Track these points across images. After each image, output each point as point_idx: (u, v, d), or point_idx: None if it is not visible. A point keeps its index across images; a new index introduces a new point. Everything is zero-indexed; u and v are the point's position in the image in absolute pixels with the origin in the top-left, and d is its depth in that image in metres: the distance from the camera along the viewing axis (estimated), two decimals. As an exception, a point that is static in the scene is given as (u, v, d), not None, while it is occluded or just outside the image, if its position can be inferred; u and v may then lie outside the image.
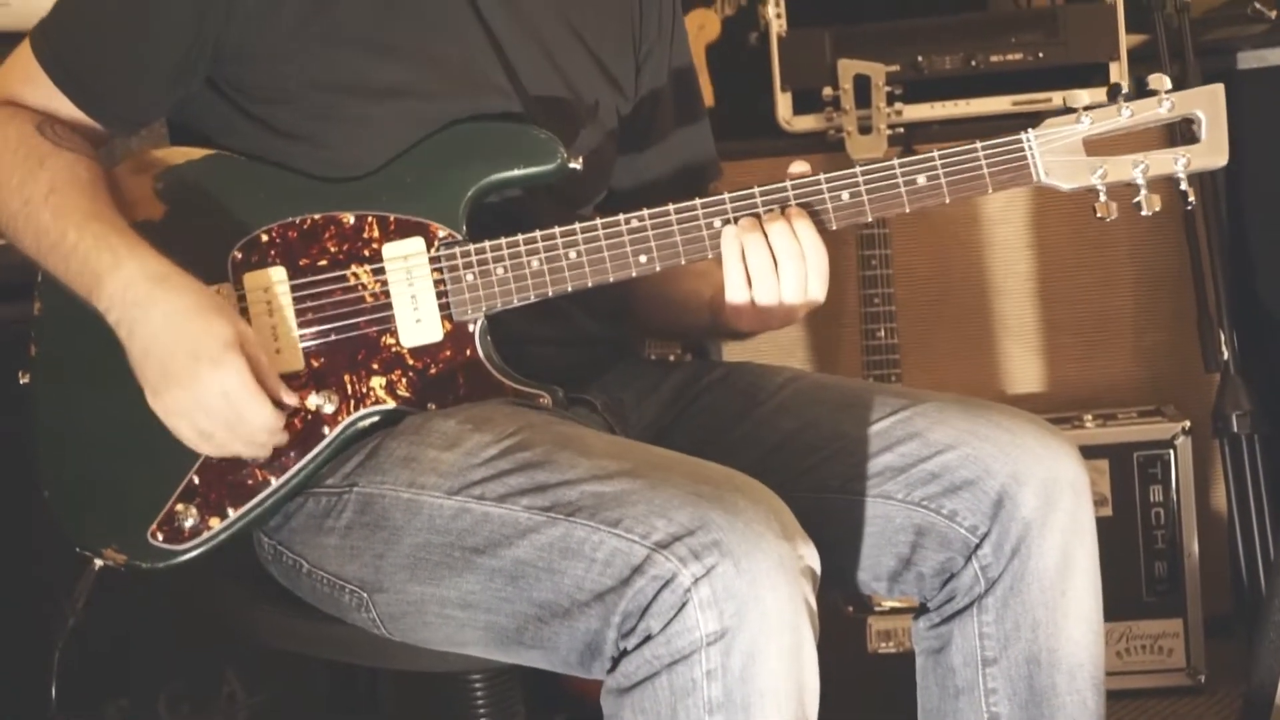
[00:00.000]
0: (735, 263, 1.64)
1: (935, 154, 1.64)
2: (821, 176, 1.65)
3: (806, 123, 2.80)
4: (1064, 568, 1.63)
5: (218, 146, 1.72)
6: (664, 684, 1.42)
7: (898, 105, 2.67)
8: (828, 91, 2.69)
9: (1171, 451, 2.74)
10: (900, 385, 1.84)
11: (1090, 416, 2.78)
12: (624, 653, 1.44)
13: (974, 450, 1.64)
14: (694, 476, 1.48)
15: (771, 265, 1.63)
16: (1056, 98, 2.80)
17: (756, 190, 1.65)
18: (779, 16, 2.81)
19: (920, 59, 2.79)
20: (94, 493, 1.68)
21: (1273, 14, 2.88)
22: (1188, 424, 2.74)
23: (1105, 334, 2.86)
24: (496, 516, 1.51)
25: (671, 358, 2.60)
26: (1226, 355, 2.75)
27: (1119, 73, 2.78)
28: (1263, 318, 2.89)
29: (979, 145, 1.64)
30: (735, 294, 1.66)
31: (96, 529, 1.67)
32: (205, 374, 1.55)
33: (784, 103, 2.82)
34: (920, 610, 1.72)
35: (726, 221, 1.64)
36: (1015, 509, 1.62)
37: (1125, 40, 2.78)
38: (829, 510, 1.67)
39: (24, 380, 1.69)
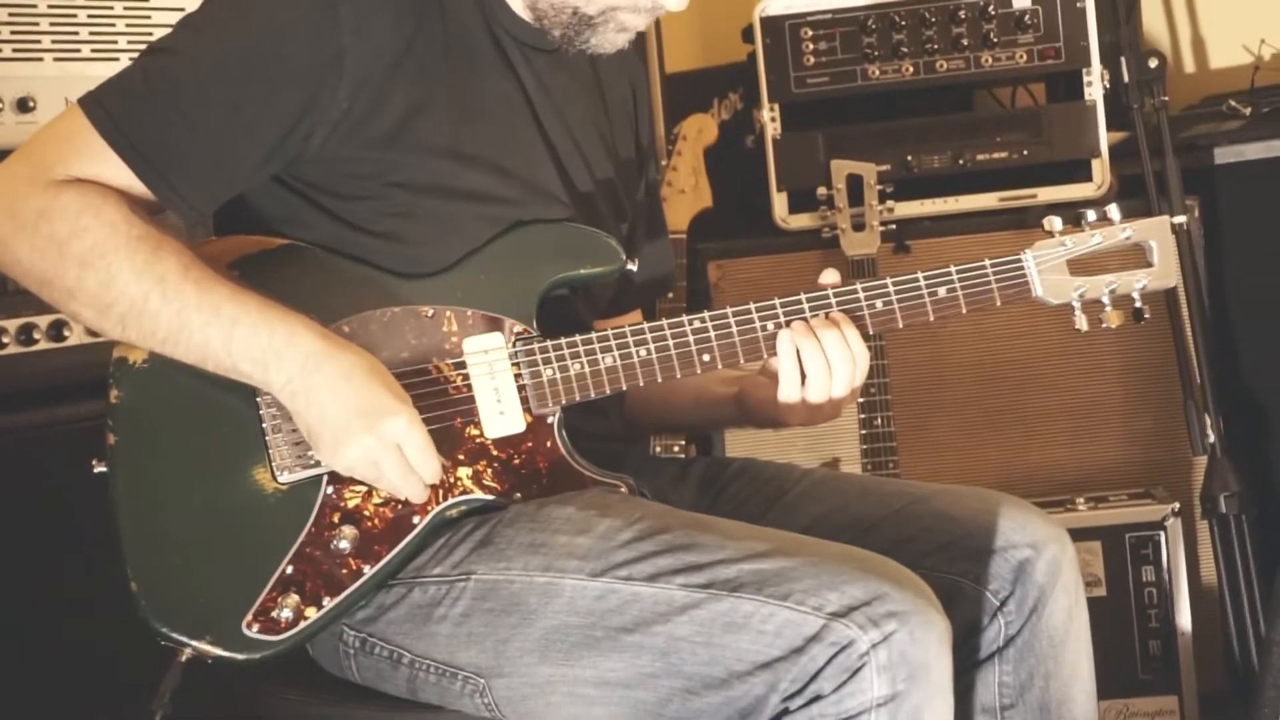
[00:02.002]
0: (791, 363, 1.70)
1: (952, 269, 1.75)
2: (858, 285, 1.73)
3: (802, 221, 2.81)
4: (1068, 625, 1.74)
5: (280, 236, 1.69)
6: None
7: (889, 203, 2.68)
8: (822, 191, 2.70)
9: (1162, 532, 2.73)
10: (912, 482, 1.91)
11: (1082, 499, 2.77)
12: (785, 712, 1.48)
13: (994, 525, 1.74)
14: (846, 554, 1.54)
15: (826, 367, 1.69)
16: (1042, 193, 2.81)
17: (803, 296, 1.72)
18: (774, 120, 2.83)
19: (910, 158, 2.81)
20: (185, 585, 1.62)
21: (1247, 111, 2.91)
22: (1177, 505, 2.73)
23: (1095, 419, 2.85)
24: (648, 595, 1.53)
25: (676, 448, 2.60)
26: (1213, 438, 2.74)
27: (1101, 169, 2.79)
28: (1247, 401, 2.89)
29: (987, 263, 1.75)
30: (789, 393, 1.71)
31: (189, 620, 1.61)
32: (384, 426, 1.58)
33: (780, 202, 2.83)
34: None
35: (779, 325, 1.70)
36: (1032, 573, 1.72)
37: (1106, 138, 2.80)
38: None
39: (99, 469, 1.64)
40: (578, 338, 1.68)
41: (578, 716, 1.57)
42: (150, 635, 1.61)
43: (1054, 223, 1.77)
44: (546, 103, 1.76)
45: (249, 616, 1.61)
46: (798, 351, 1.69)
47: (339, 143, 1.64)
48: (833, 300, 1.72)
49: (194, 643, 1.61)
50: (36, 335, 2.18)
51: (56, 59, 2.20)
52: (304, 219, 1.68)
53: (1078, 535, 2.70)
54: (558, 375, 1.68)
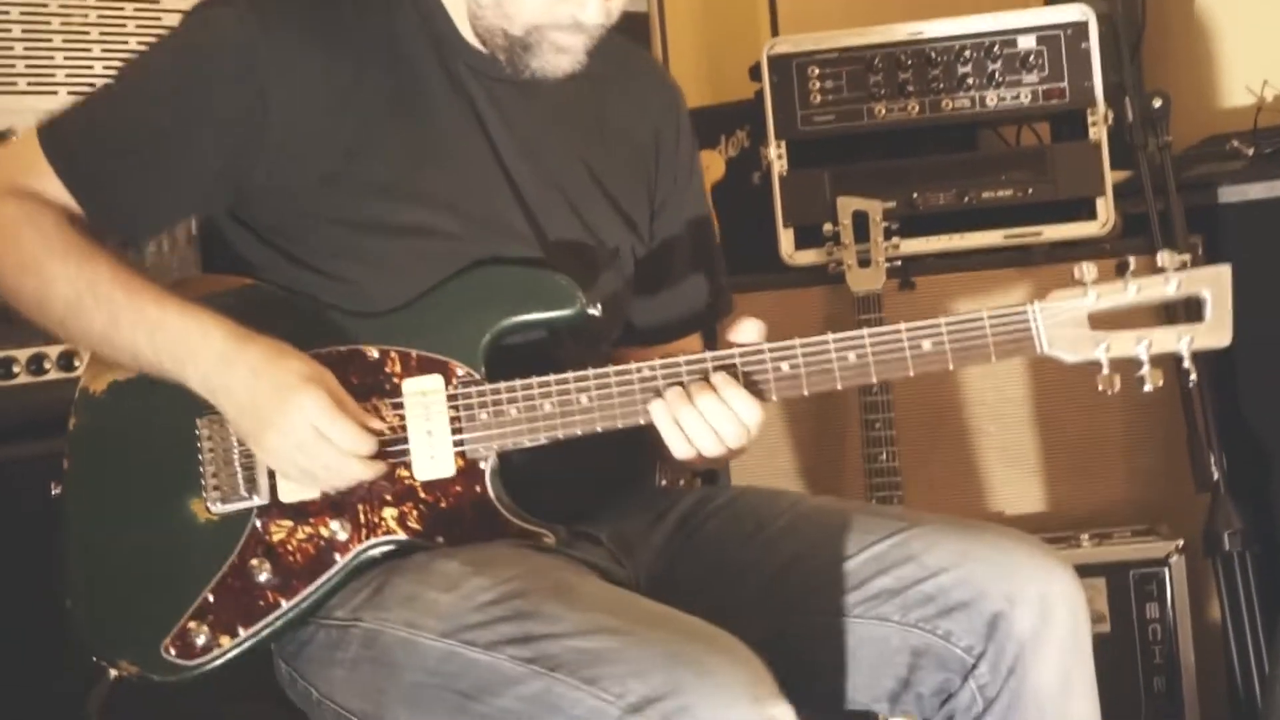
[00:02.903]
0: (671, 430, 1.63)
1: (941, 321, 1.61)
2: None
3: (808, 257, 2.80)
4: (1063, 686, 1.60)
5: (243, 268, 1.72)
6: None
7: (895, 239, 2.67)
8: (828, 227, 2.69)
9: (1166, 569, 2.71)
10: (899, 508, 1.82)
11: (1086, 536, 2.75)
12: None
13: (968, 572, 1.62)
14: (673, 634, 1.46)
15: (709, 431, 1.62)
16: (1047, 231, 2.80)
17: (766, 346, 1.63)
18: (780, 157, 2.82)
19: (915, 195, 2.80)
20: (114, 604, 1.68)
21: (1249, 151, 2.90)
22: (1181, 542, 2.71)
23: (1099, 456, 2.84)
24: (484, 664, 1.49)
25: (682, 483, 2.58)
26: (1217, 475, 2.72)
27: (1105, 208, 2.78)
28: (1250, 439, 2.87)
29: (984, 314, 1.61)
30: (680, 453, 1.64)
31: (113, 640, 1.66)
32: (290, 410, 1.57)
33: (786, 239, 2.82)
34: None
35: (733, 373, 1.62)
36: (1010, 628, 1.59)
37: (1110, 176, 2.79)
38: (830, 633, 1.65)
39: (55, 492, 1.69)
40: (518, 382, 1.64)
41: None
42: (80, 652, 1.65)
43: (1085, 271, 1.58)
44: (508, 135, 1.74)
45: (168, 640, 1.64)
46: (676, 419, 1.62)
47: (282, 178, 1.66)
48: (738, 362, 1.62)
49: (118, 660, 1.64)
50: (47, 365, 2.19)
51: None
52: (265, 260, 1.71)
53: (1081, 572, 2.64)
54: (492, 420, 1.64)
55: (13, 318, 2.14)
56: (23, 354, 2.17)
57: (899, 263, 2.69)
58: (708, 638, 1.46)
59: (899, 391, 2.67)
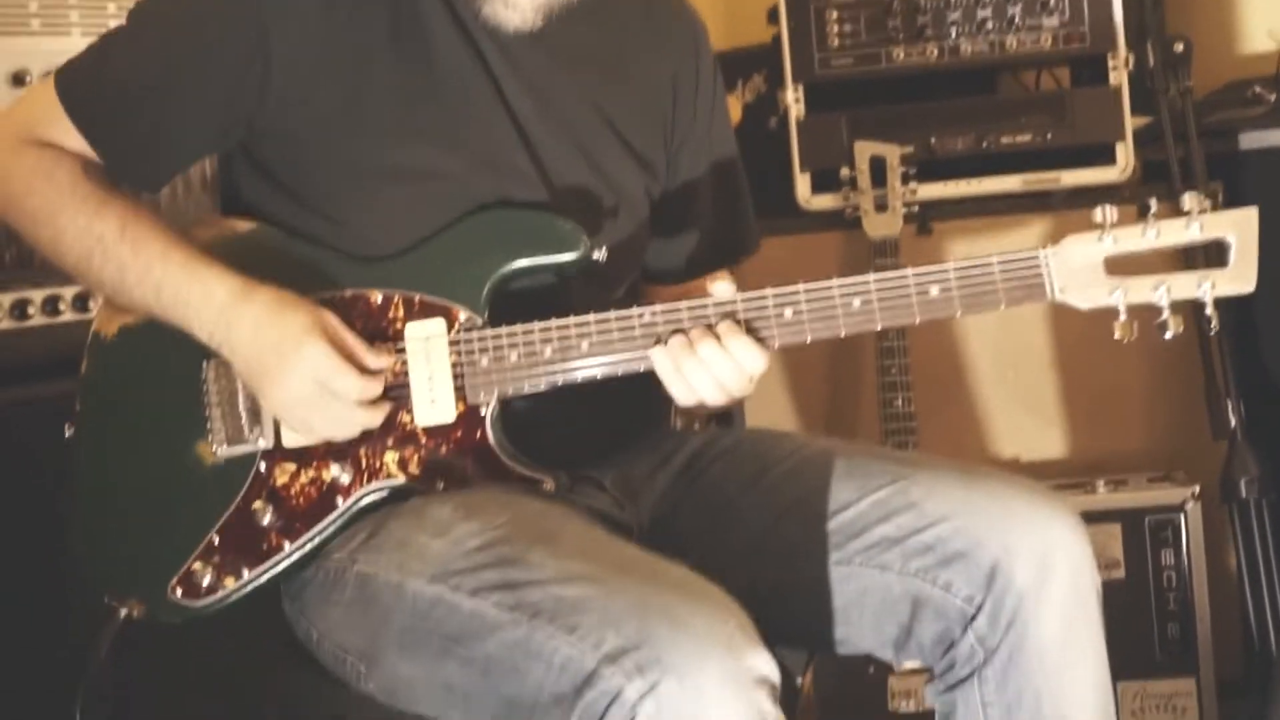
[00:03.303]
0: (673, 379, 1.61)
1: (950, 266, 1.56)
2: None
3: (824, 202, 2.78)
4: (1065, 638, 1.58)
5: (256, 212, 1.72)
6: None
7: (912, 185, 2.65)
8: (845, 172, 2.68)
9: (1182, 516, 2.70)
10: (903, 452, 1.80)
11: (1102, 482, 2.74)
12: None
13: (966, 522, 1.60)
14: (650, 583, 1.44)
15: (712, 380, 1.60)
16: (1065, 177, 2.78)
17: (769, 292, 1.60)
18: (797, 102, 2.80)
19: (933, 140, 2.78)
20: (121, 545, 1.70)
21: (1272, 97, 2.87)
22: (1197, 489, 2.70)
23: (1116, 402, 2.83)
24: (468, 609, 1.49)
25: (697, 426, 2.57)
26: (1234, 422, 2.70)
27: (1124, 154, 2.75)
28: (1269, 386, 2.85)
29: (994, 259, 1.56)
30: (683, 400, 1.63)
31: (120, 580, 1.69)
32: (294, 364, 1.58)
33: (803, 183, 2.81)
34: (930, 677, 1.68)
35: (737, 320, 1.59)
36: (1009, 580, 1.57)
37: (1130, 122, 2.76)
38: (831, 580, 1.64)
39: (69, 433, 1.71)
40: (519, 327, 1.63)
41: (439, 714, 1.55)
42: (87, 594, 1.68)
43: (1105, 213, 1.51)
44: (512, 75, 1.71)
45: (174, 581, 1.66)
46: (677, 366, 1.60)
47: (286, 120, 1.66)
48: (740, 308, 1.59)
49: (125, 600, 1.67)
50: (62, 306, 2.20)
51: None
52: (272, 203, 1.71)
53: (1097, 518, 2.70)
54: (493, 365, 1.63)
55: (28, 260, 2.17)
56: (38, 295, 2.18)
57: (916, 208, 2.68)
58: (684, 587, 1.44)
59: (915, 336, 2.65)
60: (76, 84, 1.69)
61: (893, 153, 2.65)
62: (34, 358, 2.17)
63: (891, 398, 2.61)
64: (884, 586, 1.63)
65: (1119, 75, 2.75)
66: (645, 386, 1.72)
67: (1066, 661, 1.58)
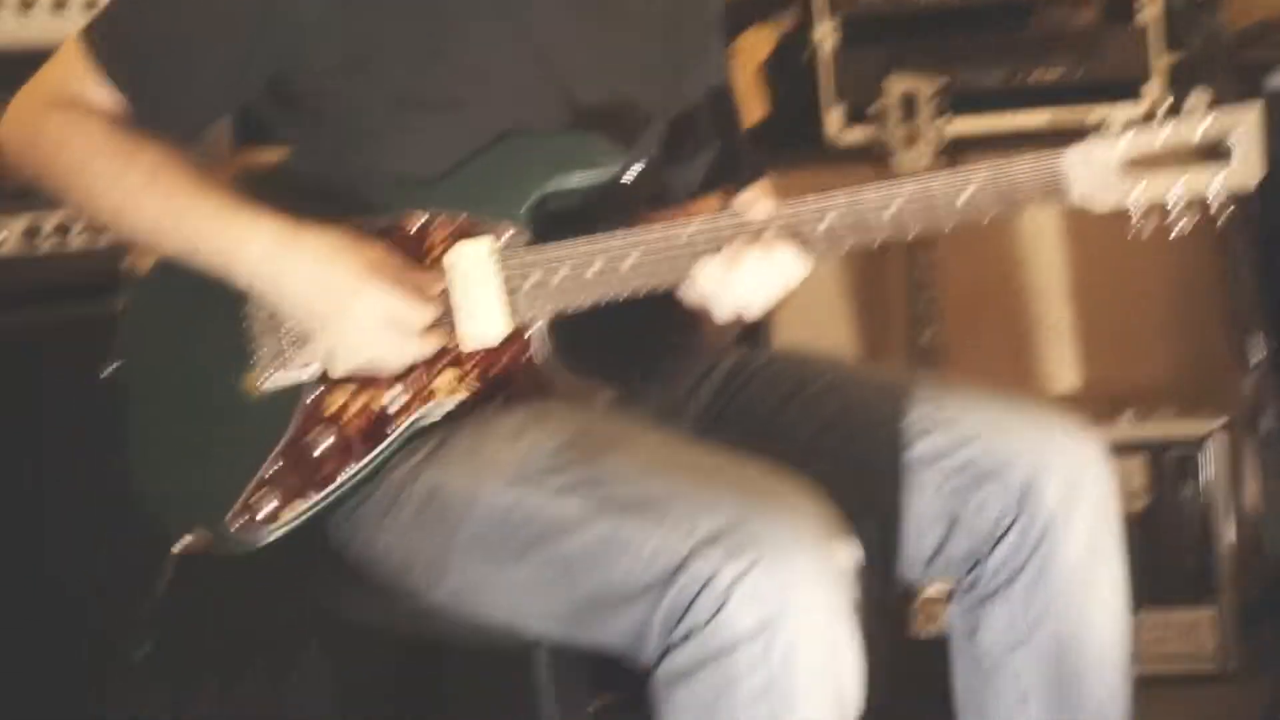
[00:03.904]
0: (716, 287, 1.62)
1: (975, 174, 1.59)
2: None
3: (855, 136, 2.78)
4: (1090, 558, 1.61)
5: (284, 146, 1.72)
6: (709, 675, 1.41)
7: (943, 119, 2.65)
8: (876, 106, 2.68)
9: (1206, 448, 2.71)
10: (935, 377, 1.83)
11: (1127, 415, 2.75)
12: (670, 645, 1.43)
13: (1000, 443, 1.62)
14: (737, 477, 1.47)
15: (753, 290, 1.61)
16: (1096, 112, 2.77)
17: (809, 201, 1.61)
18: (830, 35, 2.80)
19: (964, 74, 2.77)
20: (177, 481, 1.70)
21: (1304, 35, 2.86)
22: (1222, 421, 2.71)
23: (1142, 335, 2.84)
24: (550, 509, 1.51)
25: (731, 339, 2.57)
26: (1260, 356, 2.71)
27: (1155, 89, 2.75)
28: (1295, 320, 2.86)
29: (1017, 166, 1.59)
30: (722, 316, 1.64)
31: (180, 515, 1.68)
32: (357, 308, 1.58)
33: (834, 117, 2.81)
34: (952, 594, 1.71)
35: (781, 229, 1.60)
36: (1040, 501, 1.60)
37: (1160, 59, 2.75)
38: (867, 496, 1.65)
39: (109, 371, 1.70)
40: (564, 245, 1.63)
41: (513, 618, 1.57)
42: (147, 527, 1.68)
43: (1113, 118, 1.56)
44: (542, 7, 1.71)
45: (233, 512, 1.65)
46: (722, 280, 1.61)
47: (315, 55, 1.65)
48: (779, 220, 1.59)
49: (185, 533, 1.67)
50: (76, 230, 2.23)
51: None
52: (301, 137, 1.71)
53: (1121, 449, 2.71)
54: (540, 284, 1.64)
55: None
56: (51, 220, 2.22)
57: (946, 142, 2.67)
58: (772, 479, 1.48)
59: (944, 268, 2.66)
60: (104, 35, 1.67)
61: (924, 87, 2.64)
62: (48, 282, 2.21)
63: (919, 331, 2.62)
64: (921, 505, 1.65)
65: (1150, 11, 2.74)
66: (678, 305, 1.71)
67: (1089, 583, 1.61)
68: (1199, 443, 2.71)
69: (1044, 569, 1.61)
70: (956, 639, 1.71)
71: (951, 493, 1.64)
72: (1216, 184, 1.57)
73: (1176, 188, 1.58)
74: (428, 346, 1.63)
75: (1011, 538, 1.62)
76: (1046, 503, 1.60)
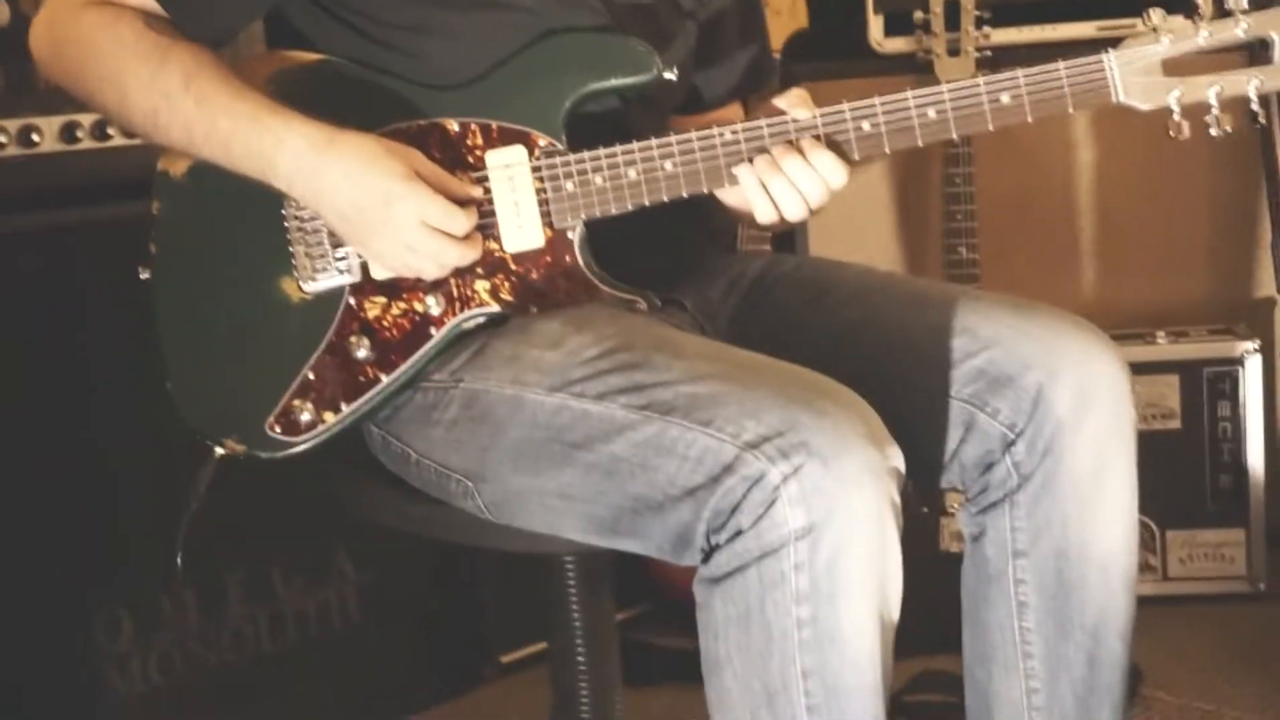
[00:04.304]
0: (758, 195, 1.62)
1: (1019, 73, 1.60)
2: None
3: (897, 45, 2.76)
4: (1098, 470, 1.60)
5: (312, 47, 1.69)
6: (754, 575, 1.41)
7: (986, 29, 2.62)
8: (918, 15, 2.64)
9: (1240, 369, 2.70)
10: (958, 285, 1.83)
11: (1162, 333, 2.74)
12: (715, 546, 1.44)
13: (1017, 346, 1.62)
14: (785, 380, 1.47)
15: (795, 193, 1.61)
16: (1139, 25, 2.73)
17: (846, 107, 1.62)
18: (879, -60, 2.76)
19: (1009, -16, 2.74)
20: (215, 386, 1.69)
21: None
22: (1258, 342, 2.70)
23: (1180, 254, 2.82)
24: (595, 414, 1.50)
25: (766, 246, 2.57)
26: (1297, 277, 2.70)
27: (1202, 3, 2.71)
28: (1335, 241, 2.83)
29: (1061, 65, 1.61)
30: (765, 217, 1.64)
31: (218, 420, 1.68)
32: (397, 213, 1.57)
33: (876, 25, 2.78)
34: (964, 499, 1.71)
35: (816, 136, 1.61)
36: (1050, 408, 1.60)
37: (1210, -31, 2.71)
38: (888, 403, 1.62)
39: (144, 276, 1.69)
40: (601, 150, 1.63)
41: (551, 524, 1.57)
42: (185, 432, 1.68)
43: (1156, 15, 1.60)
44: None
45: (271, 418, 1.65)
46: (764, 184, 1.61)
47: None
48: (819, 125, 1.61)
49: (223, 440, 1.66)
50: (80, 134, 2.20)
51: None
52: (336, 37, 1.68)
53: (1156, 368, 2.71)
54: (578, 189, 1.63)
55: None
56: (54, 122, 2.20)
57: (989, 52, 2.65)
58: (817, 382, 1.47)
59: (982, 183, 2.64)
60: None
61: (967, -4, 2.62)
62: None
63: (955, 244, 2.61)
64: (940, 411, 1.65)
65: (1200, -80, 2.70)
66: (714, 209, 1.72)
67: (1097, 493, 1.61)
68: (1234, 364, 2.70)
69: (1050, 477, 1.61)
70: (967, 544, 1.71)
71: (969, 398, 1.64)
72: (1257, 83, 1.60)
73: (1216, 87, 1.60)
74: (467, 252, 1.62)
75: (1020, 445, 1.62)
76: (1056, 411, 1.60)
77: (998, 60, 2.69)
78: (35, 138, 2.17)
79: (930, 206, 2.73)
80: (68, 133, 2.20)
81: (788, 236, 2.71)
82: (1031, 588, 1.64)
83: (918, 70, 2.68)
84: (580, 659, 1.79)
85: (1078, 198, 2.84)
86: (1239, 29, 1.59)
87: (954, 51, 2.62)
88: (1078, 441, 1.60)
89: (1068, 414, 1.60)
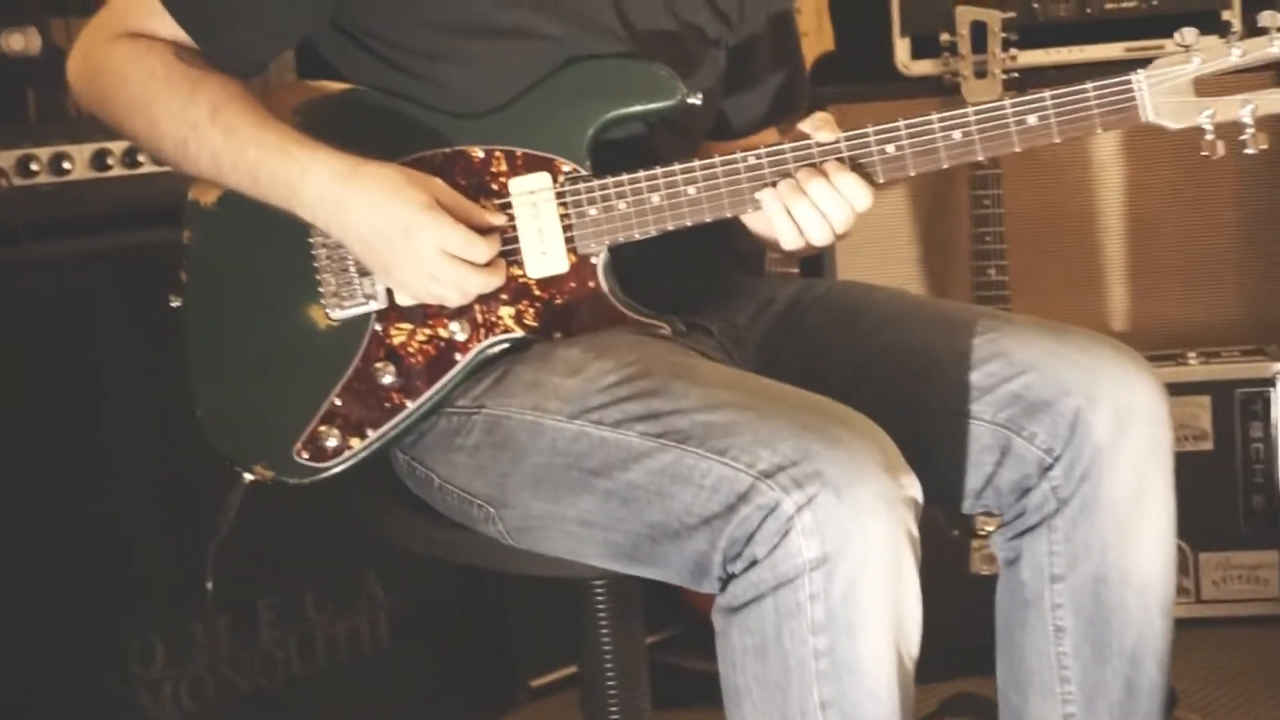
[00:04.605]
0: (783, 220, 1.62)
1: (1047, 94, 1.59)
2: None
3: (924, 67, 2.76)
4: (1137, 494, 1.60)
5: (339, 76, 1.71)
6: (770, 606, 1.41)
7: (1013, 51, 2.61)
8: (945, 37, 2.64)
9: (1272, 389, 2.69)
10: (990, 308, 1.83)
11: (1193, 354, 2.74)
12: (732, 575, 1.44)
13: (1053, 372, 1.61)
14: (801, 408, 1.47)
15: (819, 218, 1.61)
16: (1169, 45, 2.72)
17: (871, 130, 1.62)
18: (902, -37, 2.76)
19: (1035, 5, 2.73)
20: (243, 413, 1.70)
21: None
22: (1289, 363, 2.70)
23: (1210, 274, 2.80)
24: (612, 441, 1.51)
25: (795, 269, 2.57)
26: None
27: (1232, 21, 2.70)
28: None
29: (1089, 86, 1.60)
30: (789, 244, 1.64)
31: (246, 446, 1.69)
32: (418, 242, 1.58)
33: (902, 48, 2.78)
34: (999, 523, 1.71)
35: (841, 159, 1.61)
36: (1088, 433, 1.59)
37: (1239, -9, 2.71)
38: (921, 427, 1.65)
39: (174, 304, 1.71)
40: (624, 176, 1.63)
41: (573, 551, 1.57)
42: (214, 458, 1.69)
43: (1189, 34, 1.58)
44: None
45: (299, 444, 1.66)
46: (787, 208, 1.61)
47: None
48: (844, 147, 1.60)
49: (252, 466, 1.68)
50: (110, 162, 2.23)
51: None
52: (362, 64, 1.70)
53: (1187, 389, 2.70)
54: (602, 215, 1.64)
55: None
56: (85, 150, 2.22)
57: (1016, 74, 2.64)
58: (834, 411, 1.47)
59: (1010, 204, 2.63)
60: None
61: (994, 18, 2.60)
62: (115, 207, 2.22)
63: (984, 266, 2.61)
64: (973, 435, 1.65)
65: (1229, -62, 2.70)
66: (739, 234, 1.72)
67: (1135, 517, 1.60)
68: (1266, 384, 2.69)
69: (1088, 503, 1.61)
70: (1002, 568, 1.71)
71: (1005, 423, 1.64)
72: None
73: (1251, 105, 1.58)
74: (489, 281, 1.63)
75: (1058, 470, 1.61)
76: (1095, 436, 1.59)
77: (1025, 82, 2.67)
78: (67, 165, 2.19)
79: (958, 228, 2.72)
80: (98, 160, 2.22)
81: (815, 259, 2.71)
82: (1069, 612, 1.63)
83: (945, 92, 2.68)
84: (610, 683, 1.79)
85: (1107, 218, 2.82)
86: (1274, 46, 1.58)
87: (981, 74, 2.62)
88: (1116, 465, 1.60)
89: (1106, 438, 1.59)
